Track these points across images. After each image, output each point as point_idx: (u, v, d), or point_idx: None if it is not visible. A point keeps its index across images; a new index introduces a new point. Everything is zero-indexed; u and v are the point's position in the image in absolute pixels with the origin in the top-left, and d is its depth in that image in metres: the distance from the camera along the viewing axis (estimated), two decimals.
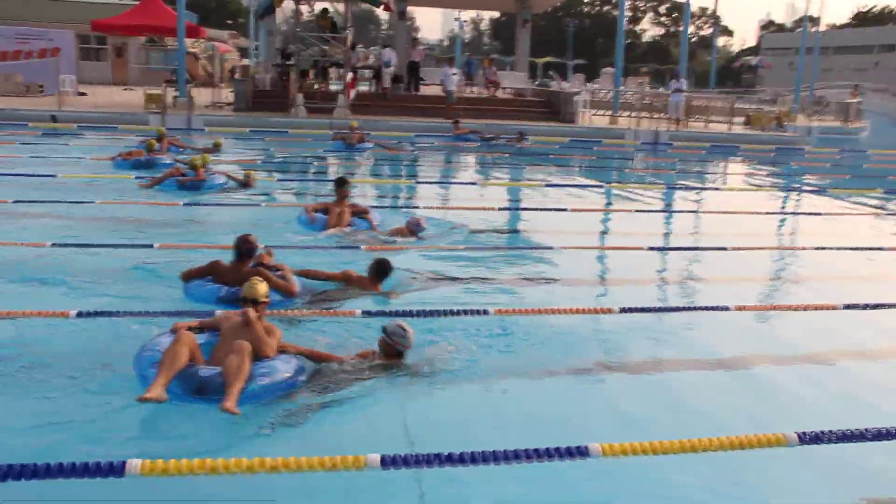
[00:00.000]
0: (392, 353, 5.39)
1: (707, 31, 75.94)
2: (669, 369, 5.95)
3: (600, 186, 15.91)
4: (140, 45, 35.77)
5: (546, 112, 26.29)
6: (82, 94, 27.28)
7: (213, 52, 38.15)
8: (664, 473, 4.28)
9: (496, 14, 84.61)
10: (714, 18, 68.71)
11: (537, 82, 38.97)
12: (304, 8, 23.63)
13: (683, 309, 7.49)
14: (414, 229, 9.31)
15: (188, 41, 40.33)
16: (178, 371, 4.74)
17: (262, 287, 5.31)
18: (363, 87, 26.90)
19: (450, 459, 3.94)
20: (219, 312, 5.78)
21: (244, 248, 6.68)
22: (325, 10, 22.44)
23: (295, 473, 3.76)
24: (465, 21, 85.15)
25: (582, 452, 4.04)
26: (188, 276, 6.80)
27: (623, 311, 6.87)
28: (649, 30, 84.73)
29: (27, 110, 21.27)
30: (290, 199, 12.60)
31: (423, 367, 5.40)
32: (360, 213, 9.62)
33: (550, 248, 9.83)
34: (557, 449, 4.01)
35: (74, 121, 20.78)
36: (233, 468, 3.75)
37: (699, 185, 17.26)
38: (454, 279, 7.83)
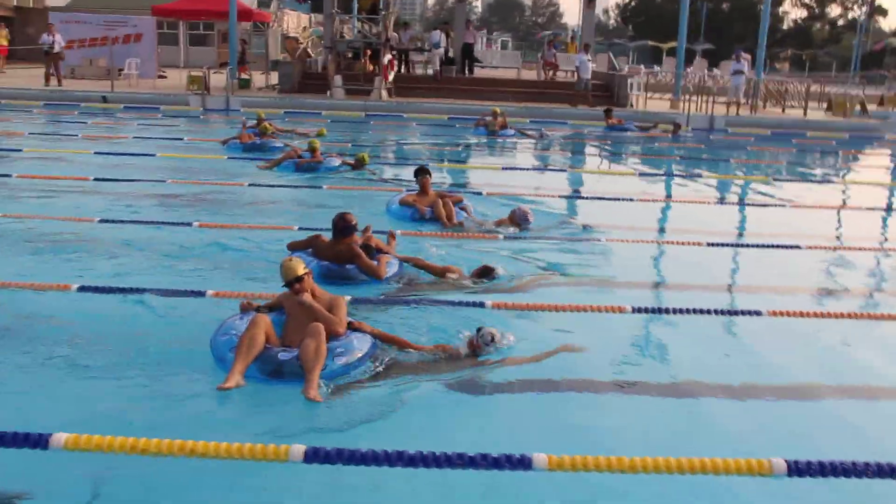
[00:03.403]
0: (474, 353, 5.29)
1: (858, 13, 69.77)
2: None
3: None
4: (243, 31, 37.26)
5: (605, 96, 25.00)
6: (162, 76, 28.78)
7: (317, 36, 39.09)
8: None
9: None
10: None
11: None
12: None
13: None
14: (519, 221, 8.83)
15: (293, 26, 42.00)
16: (256, 356, 4.81)
17: (292, 265, 5.23)
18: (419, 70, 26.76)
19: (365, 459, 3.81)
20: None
21: (340, 224, 6.77)
22: None
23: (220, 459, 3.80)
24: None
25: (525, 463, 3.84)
26: (292, 248, 6.99)
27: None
28: (791, 12, 78.91)
29: (81, 91, 22.59)
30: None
31: (500, 368, 5.21)
32: (454, 201, 9.19)
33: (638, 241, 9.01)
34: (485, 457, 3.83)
35: (122, 101, 21.86)
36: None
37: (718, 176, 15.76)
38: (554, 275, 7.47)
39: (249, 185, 11.16)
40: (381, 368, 5.03)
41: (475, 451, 3.86)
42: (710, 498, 3.98)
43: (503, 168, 14.62)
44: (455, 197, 9.38)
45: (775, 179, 14.28)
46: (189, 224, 8.57)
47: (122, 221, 8.70)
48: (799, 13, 78.19)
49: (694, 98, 23.44)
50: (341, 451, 3.87)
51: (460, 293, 6.56)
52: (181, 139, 15.89)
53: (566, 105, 23.41)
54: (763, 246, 8.83)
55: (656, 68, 40.36)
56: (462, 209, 9.15)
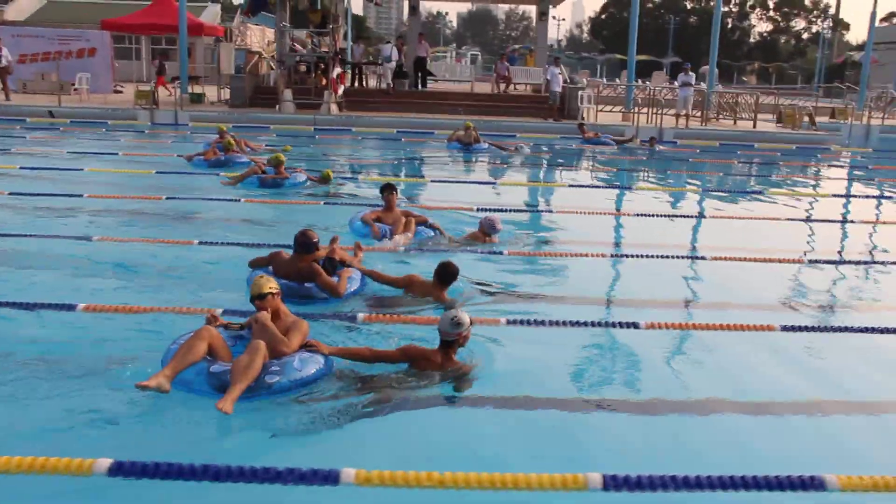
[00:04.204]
0: (446, 343, 5.20)
1: (822, 26, 70.74)
2: None
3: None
4: (206, 45, 37.13)
5: (559, 108, 25.06)
6: (118, 91, 28.58)
7: None
8: None
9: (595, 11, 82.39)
10: (824, 11, 63.99)
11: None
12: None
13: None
14: (488, 231, 8.70)
15: (257, 40, 41.92)
16: (190, 364, 4.73)
17: (261, 282, 5.19)
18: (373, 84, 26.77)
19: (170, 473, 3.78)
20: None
21: (300, 241, 6.66)
22: (313, 3, 22.28)
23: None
24: (562, 20, 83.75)
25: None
26: (254, 265, 6.91)
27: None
28: (757, 25, 79.92)
29: (27, 106, 22.36)
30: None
31: (471, 380, 5.17)
32: (419, 222, 8.96)
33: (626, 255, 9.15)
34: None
35: (69, 116, 21.65)
36: None
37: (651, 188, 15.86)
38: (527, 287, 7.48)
39: (167, 198, 11.07)
40: (338, 387, 4.97)
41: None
42: None
43: (476, 182, 14.59)
44: (419, 217, 9.11)
45: (708, 191, 14.39)
46: (89, 238, 8.45)
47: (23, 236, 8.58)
48: (765, 26, 79.25)
49: (645, 110, 23.62)
50: (146, 465, 3.82)
51: (428, 308, 6.49)
52: (116, 153, 15.73)
53: (524, 118, 23.47)
54: (662, 257, 8.81)
55: (617, 81, 40.63)
56: (432, 227, 8.98)
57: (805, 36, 77.11)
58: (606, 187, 15.19)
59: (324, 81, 23.29)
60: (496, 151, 17.94)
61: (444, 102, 24.52)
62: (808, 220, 12.14)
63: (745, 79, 70.35)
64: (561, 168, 17.83)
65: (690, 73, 24.00)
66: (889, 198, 15.10)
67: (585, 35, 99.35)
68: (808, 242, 10.55)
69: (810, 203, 13.72)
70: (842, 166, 20.19)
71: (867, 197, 15.44)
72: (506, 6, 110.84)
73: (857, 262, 9.39)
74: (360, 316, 6.22)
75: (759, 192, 14.12)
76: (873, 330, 6.51)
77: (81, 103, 23.86)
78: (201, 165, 13.96)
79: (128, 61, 36.27)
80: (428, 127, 21.56)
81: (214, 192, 11.76)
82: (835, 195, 14.90)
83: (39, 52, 28.01)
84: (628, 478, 3.90)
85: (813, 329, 6.60)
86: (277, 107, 22.40)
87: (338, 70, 22.77)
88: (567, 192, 14.24)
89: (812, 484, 3.94)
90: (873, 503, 4.06)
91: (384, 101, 24.59)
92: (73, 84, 27.65)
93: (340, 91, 23.02)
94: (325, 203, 11.23)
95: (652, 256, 8.77)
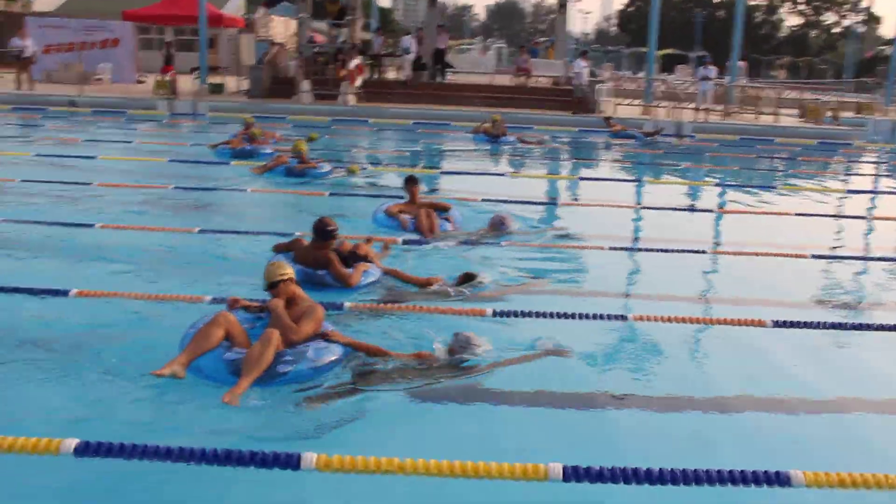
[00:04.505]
0: (453, 359, 5.24)
1: (853, 19, 69.48)
2: None
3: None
4: (228, 37, 37.38)
5: (574, 101, 24.91)
6: (141, 81, 28.88)
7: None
8: None
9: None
10: (855, 5, 62.86)
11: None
12: None
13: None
14: (497, 227, 8.76)
15: (281, 32, 42.09)
16: (205, 351, 4.75)
17: (272, 269, 5.21)
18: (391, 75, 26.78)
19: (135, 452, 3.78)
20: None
21: (318, 228, 6.72)
22: None
23: None
24: (589, 13, 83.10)
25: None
26: (277, 250, 7.04)
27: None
28: (787, 20, 78.68)
29: (49, 95, 22.65)
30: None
31: (480, 377, 5.17)
32: (441, 209, 9.03)
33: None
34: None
35: (90, 106, 21.91)
36: None
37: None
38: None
39: (175, 188, 11.19)
40: (350, 377, 4.96)
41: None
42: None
43: (504, 175, 14.65)
44: (442, 205, 9.17)
45: (720, 185, 14.23)
46: (91, 226, 8.55)
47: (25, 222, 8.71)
48: (795, 20, 78.05)
49: (665, 104, 23.42)
50: (111, 445, 3.83)
51: (442, 301, 6.47)
52: (130, 142, 15.91)
53: (542, 110, 23.34)
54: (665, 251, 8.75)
55: (640, 74, 40.26)
56: (445, 220, 8.96)
57: (836, 30, 75.84)
58: (611, 180, 15.05)
59: (342, 73, 23.35)
60: (521, 145, 17.90)
61: (462, 94, 24.49)
62: (820, 215, 11.92)
63: (773, 73, 69.34)
64: (575, 160, 17.76)
65: (710, 66, 23.73)
66: None
67: (614, 28, 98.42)
68: (818, 237, 10.37)
69: (824, 198, 13.49)
70: (862, 162, 19.81)
71: (885, 193, 15.17)
72: None
73: (872, 259, 9.24)
74: (347, 305, 6.24)
75: (773, 187, 13.95)
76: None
77: (103, 93, 24.12)
78: (225, 154, 14.00)
79: (153, 52, 36.67)
80: (444, 119, 21.53)
81: (224, 181, 11.85)
82: (850, 191, 14.63)
83: (64, 42, 28.33)
84: (590, 469, 3.89)
85: (820, 326, 6.53)
86: (294, 97, 22.49)
87: (355, 61, 22.79)
88: (570, 185, 14.23)
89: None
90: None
91: (402, 92, 24.59)
92: (97, 74, 28.09)
93: (358, 82, 23.04)
94: (346, 195, 11.25)
95: (655, 250, 8.73)
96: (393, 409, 4.73)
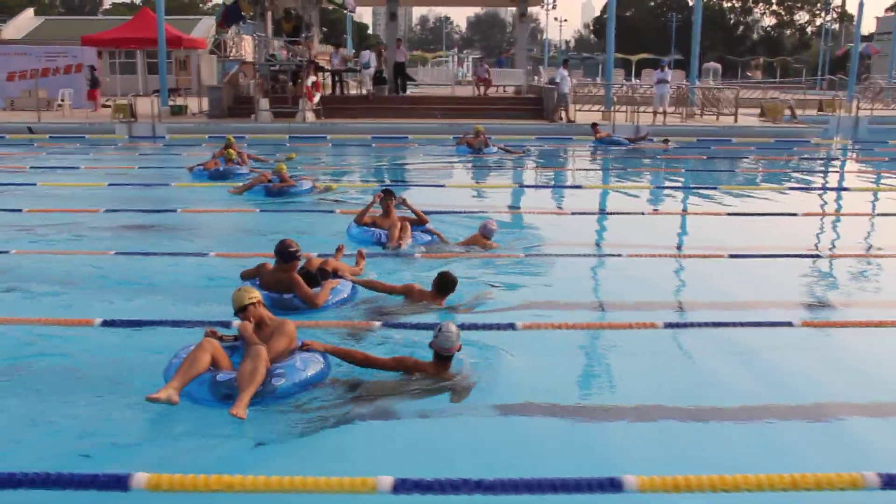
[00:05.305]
0: (442, 358, 5.23)
1: (825, 18, 70.02)
2: None
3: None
4: (200, 58, 37.45)
5: (538, 109, 25.04)
6: (107, 105, 28.83)
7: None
8: None
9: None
10: (826, 3, 63.35)
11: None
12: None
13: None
14: (487, 234, 8.75)
15: (253, 52, 42.13)
16: (196, 376, 4.81)
17: (240, 295, 5.31)
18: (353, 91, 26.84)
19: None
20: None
21: (279, 250, 6.69)
22: (287, 12, 22.38)
23: None
24: (565, 20, 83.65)
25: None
26: (244, 277, 6.98)
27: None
28: (761, 20, 79.27)
29: (6, 123, 22.59)
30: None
31: (469, 386, 5.20)
32: (415, 223, 9.07)
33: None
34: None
35: (48, 132, 21.86)
36: None
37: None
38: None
39: (106, 211, 11.15)
40: (338, 390, 5.05)
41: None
42: None
43: (485, 187, 14.73)
44: (421, 219, 9.19)
45: (662, 188, 14.29)
46: (7, 252, 8.53)
47: None
48: (769, 20, 78.63)
49: (623, 108, 23.50)
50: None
51: (421, 315, 6.48)
52: (77, 168, 15.87)
53: (503, 120, 23.39)
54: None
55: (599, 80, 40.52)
56: (431, 232, 8.99)
57: (809, 29, 76.42)
58: (565, 187, 15.10)
59: (298, 90, 23.36)
60: (505, 155, 17.99)
61: (422, 107, 24.56)
62: (753, 214, 11.95)
63: (749, 74, 69.75)
64: (539, 169, 17.83)
65: (667, 70, 23.85)
66: (858, 190, 14.87)
67: (592, 36, 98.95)
68: (745, 237, 10.40)
69: (766, 198, 13.54)
70: (815, 159, 19.90)
71: (830, 190, 15.24)
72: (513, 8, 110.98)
73: (785, 256, 9.27)
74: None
75: (715, 188, 14.00)
76: None
77: (63, 118, 24.09)
78: (201, 176, 14.12)
79: (128, 76, 36.81)
80: (403, 132, 21.58)
81: (163, 203, 11.85)
82: (792, 188, 14.72)
83: (28, 69, 28.33)
84: (420, 481, 3.86)
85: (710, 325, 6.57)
86: (253, 116, 22.50)
87: (312, 78, 22.82)
88: (533, 193, 14.30)
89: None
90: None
91: (364, 107, 24.65)
92: (59, 100, 28.06)
93: (316, 99, 23.06)
94: (316, 211, 11.36)
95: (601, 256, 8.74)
96: (382, 423, 4.82)
